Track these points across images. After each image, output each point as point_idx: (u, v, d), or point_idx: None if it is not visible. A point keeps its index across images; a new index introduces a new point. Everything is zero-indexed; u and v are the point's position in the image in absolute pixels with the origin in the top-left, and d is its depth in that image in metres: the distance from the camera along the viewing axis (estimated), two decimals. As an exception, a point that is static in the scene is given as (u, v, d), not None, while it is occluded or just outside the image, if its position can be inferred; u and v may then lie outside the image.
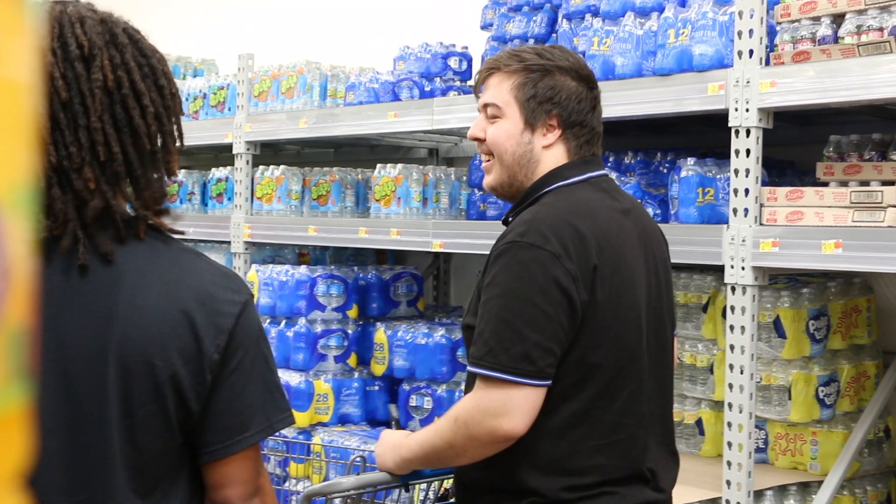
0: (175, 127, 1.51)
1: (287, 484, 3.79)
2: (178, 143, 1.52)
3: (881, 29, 2.57)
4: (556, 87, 2.07)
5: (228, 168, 4.82)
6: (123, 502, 1.43)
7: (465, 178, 4.04)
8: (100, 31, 1.44)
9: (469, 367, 1.95)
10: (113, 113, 1.42)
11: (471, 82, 4.08)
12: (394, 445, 2.11)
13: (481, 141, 2.15)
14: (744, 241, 2.72)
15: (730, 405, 2.76)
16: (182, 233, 1.56)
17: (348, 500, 2.22)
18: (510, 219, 2.13)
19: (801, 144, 3.50)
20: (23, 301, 0.46)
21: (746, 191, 2.74)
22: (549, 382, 1.91)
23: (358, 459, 2.55)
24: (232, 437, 1.49)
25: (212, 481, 1.52)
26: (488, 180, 2.16)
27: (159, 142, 1.48)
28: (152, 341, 1.42)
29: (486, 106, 2.14)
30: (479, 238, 3.45)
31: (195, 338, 1.44)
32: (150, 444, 1.44)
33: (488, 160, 2.15)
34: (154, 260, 1.47)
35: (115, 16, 1.50)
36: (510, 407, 1.89)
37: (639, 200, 3.01)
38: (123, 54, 1.44)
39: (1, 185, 0.45)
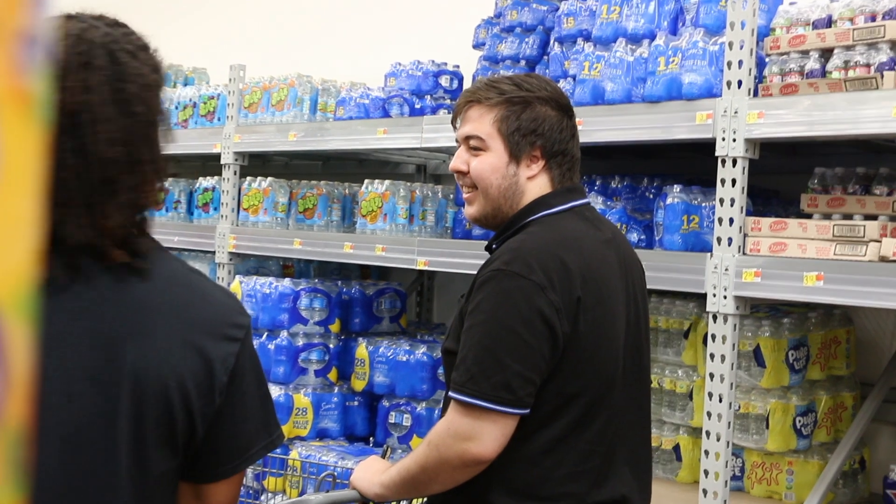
0: (151, 154, 1.42)
1: (263, 497, 3.78)
2: (156, 171, 1.44)
3: (868, 65, 2.59)
4: (539, 119, 2.08)
5: (215, 178, 4.82)
6: None
7: (452, 196, 4.05)
8: (79, 51, 1.39)
9: (450, 393, 1.95)
10: (70, 137, 1.36)
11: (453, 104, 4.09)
12: (375, 472, 2.11)
13: (464, 174, 2.14)
14: (727, 270, 2.73)
15: (707, 433, 2.77)
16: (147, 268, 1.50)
17: None
18: (494, 246, 2.13)
19: (787, 174, 3.53)
20: (22, 402, 0.46)
21: (731, 220, 2.76)
22: (527, 411, 1.92)
23: (328, 477, 2.55)
24: (239, 457, 1.50)
25: (204, 501, 1.51)
26: (471, 211, 2.15)
27: (126, 169, 1.39)
28: (165, 363, 1.41)
29: (467, 138, 2.13)
30: (464, 257, 3.46)
31: (206, 361, 1.44)
32: (156, 467, 1.43)
33: (470, 192, 2.14)
34: (167, 280, 1.46)
35: (111, 31, 1.44)
36: (480, 431, 1.90)
37: (619, 226, 3.03)
38: (93, 76, 1.38)
39: (2, 287, 0.45)
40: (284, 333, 4.03)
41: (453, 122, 2.21)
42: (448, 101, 4.09)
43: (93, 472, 1.40)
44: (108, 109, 1.40)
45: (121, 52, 1.43)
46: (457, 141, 2.18)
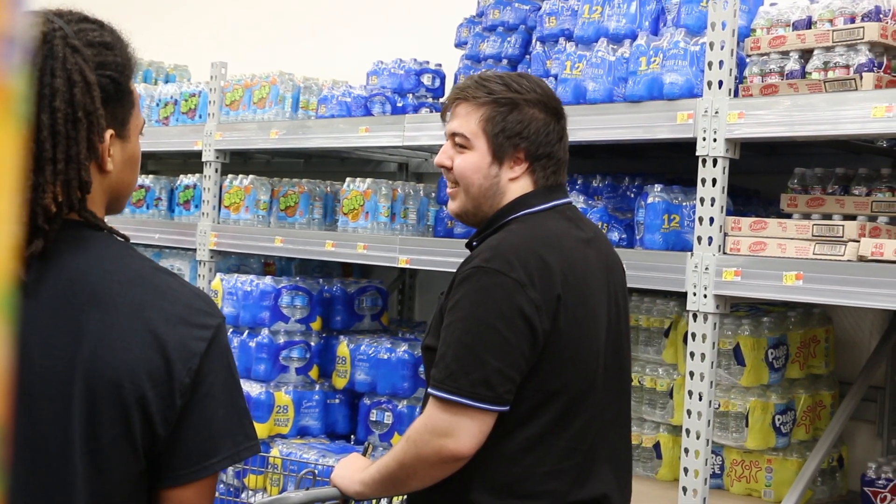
0: (66, 153, 1.39)
1: (243, 495, 3.77)
2: (76, 170, 1.40)
3: (847, 66, 2.61)
4: (525, 121, 2.08)
5: (197, 175, 4.80)
6: None
7: (433, 194, 4.06)
8: (40, 43, 1.38)
9: (429, 390, 1.96)
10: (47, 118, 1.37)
11: (443, 100, 4.09)
12: (356, 469, 2.12)
13: (448, 169, 2.15)
14: (707, 269, 2.75)
15: (687, 431, 2.78)
16: (126, 237, 1.50)
17: None
18: (475, 243, 2.14)
19: (768, 174, 3.55)
20: (0, 399, 0.46)
21: (711, 220, 2.77)
22: (506, 408, 1.92)
23: (308, 474, 2.55)
24: (199, 463, 1.43)
25: None
26: (453, 206, 2.17)
27: (35, 166, 1.37)
28: (121, 363, 1.37)
29: (453, 135, 2.14)
30: (446, 255, 3.46)
31: (166, 361, 1.39)
32: (114, 469, 1.39)
33: (454, 187, 2.15)
34: (128, 280, 1.43)
35: (64, 26, 1.41)
36: (457, 427, 1.90)
37: (600, 225, 3.04)
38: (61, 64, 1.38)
39: None
40: (265, 331, 4.03)
41: (442, 116, 2.22)
42: (430, 100, 4.09)
43: (47, 475, 1.37)
44: (83, 97, 1.39)
45: (61, 46, 1.39)
46: (446, 135, 2.19)
